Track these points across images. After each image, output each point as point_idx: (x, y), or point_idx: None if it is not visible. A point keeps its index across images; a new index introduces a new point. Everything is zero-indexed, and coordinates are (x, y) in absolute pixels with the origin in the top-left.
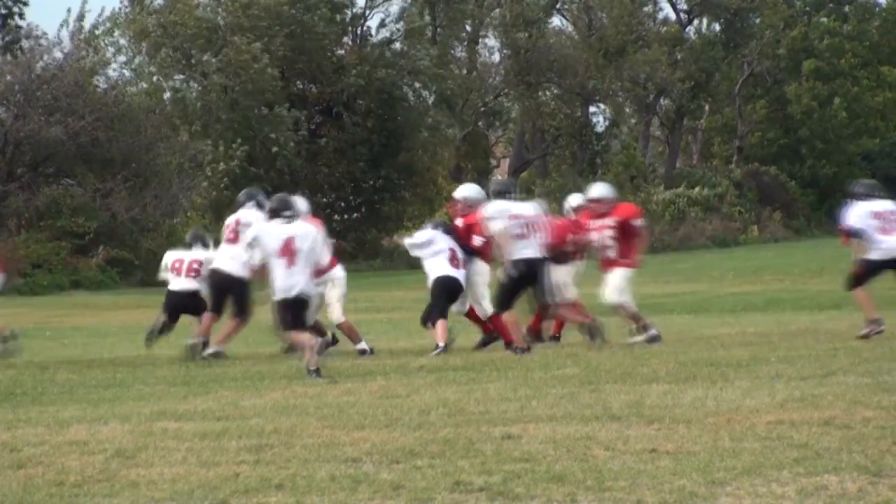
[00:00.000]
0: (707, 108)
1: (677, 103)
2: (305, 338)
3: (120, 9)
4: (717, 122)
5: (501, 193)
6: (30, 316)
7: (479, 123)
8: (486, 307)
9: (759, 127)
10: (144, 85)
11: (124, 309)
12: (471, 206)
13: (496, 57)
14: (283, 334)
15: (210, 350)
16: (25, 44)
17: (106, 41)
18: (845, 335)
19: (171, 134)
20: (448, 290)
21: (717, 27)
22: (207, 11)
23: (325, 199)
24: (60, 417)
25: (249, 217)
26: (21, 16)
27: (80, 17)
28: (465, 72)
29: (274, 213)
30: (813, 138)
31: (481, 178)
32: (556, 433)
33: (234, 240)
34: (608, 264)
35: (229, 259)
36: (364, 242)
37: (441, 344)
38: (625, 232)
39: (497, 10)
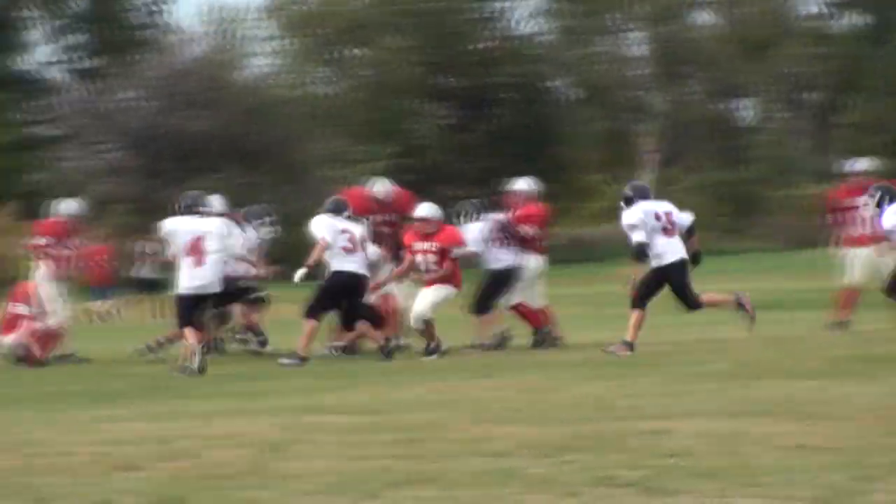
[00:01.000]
0: (855, 102)
1: (825, 97)
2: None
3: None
4: (868, 115)
5: (332, 211)
6: None
7: (625, 117)
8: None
9: None
10: (292, 75)
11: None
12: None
13: (640, 50)
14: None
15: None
16: (167, 39)
17: (248, 35)
18: None
19: (313, 126)
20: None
21: (866, 20)
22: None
23: (467, 196)
24: (209, 410)
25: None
26: (165, 13)
27: (220, 11)
28: (606, 66)
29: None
30: None
31: (627, 172)
32: (705, 428)
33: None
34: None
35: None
36: None
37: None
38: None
39: (640, 4)
